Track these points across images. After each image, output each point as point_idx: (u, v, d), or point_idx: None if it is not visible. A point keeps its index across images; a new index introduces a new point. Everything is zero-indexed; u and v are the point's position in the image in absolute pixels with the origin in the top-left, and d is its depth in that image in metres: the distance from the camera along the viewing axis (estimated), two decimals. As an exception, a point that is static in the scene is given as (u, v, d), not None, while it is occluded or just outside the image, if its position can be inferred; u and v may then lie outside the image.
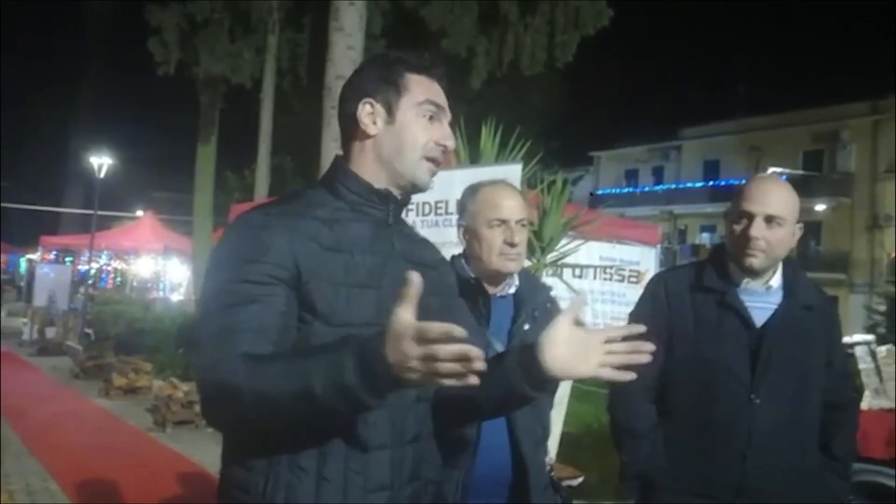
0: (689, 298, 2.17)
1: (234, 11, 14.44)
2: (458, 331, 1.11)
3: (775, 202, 2.07)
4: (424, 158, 1.46)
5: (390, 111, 1.45)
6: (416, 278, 1.16)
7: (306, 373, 1.20)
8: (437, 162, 1.48)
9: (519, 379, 1.38)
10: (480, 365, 1.13)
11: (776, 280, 2.15)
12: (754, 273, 2.11)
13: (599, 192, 37.59)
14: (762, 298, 2.13)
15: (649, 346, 1.35)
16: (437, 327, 1.11)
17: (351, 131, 1.48)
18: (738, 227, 2.10)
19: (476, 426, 2.03)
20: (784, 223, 2.07)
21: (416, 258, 1.48)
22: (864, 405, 5.67)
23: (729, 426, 2.05)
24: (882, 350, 5.98)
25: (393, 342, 1.14)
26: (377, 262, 1.40)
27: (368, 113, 1.46)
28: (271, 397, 1.21)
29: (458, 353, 1.11)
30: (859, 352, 5.96)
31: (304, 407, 1.22)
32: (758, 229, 2.05)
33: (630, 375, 1.37)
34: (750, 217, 2.07)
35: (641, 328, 1.37)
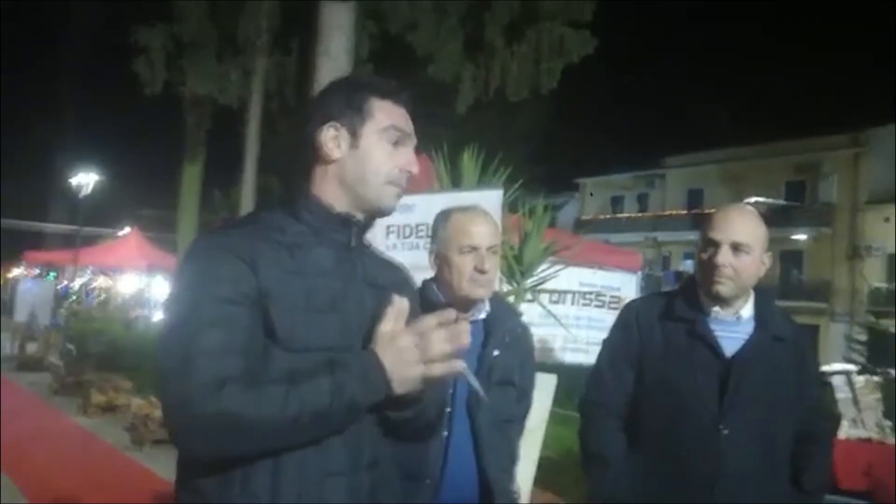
0: (660, 327, 2.17)
1: (222, 33, 14.53)
2: (452, 313, 1.32)
3: (741, 230, 2.08)
4: (388, 184, 1.45)
5: (354, 136, 1.44)
6: (396, 300, 1.34)
7: (314, 391, 1.26)
8: (402, 187, 1.48)
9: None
10: (466, 338, 1.33)
11: (747, 310, 2.15)
12: (722, 301, 2.12)
13: (584, 217, 37.83)
14: (732, 328, 2.12)
15: (465, 326, 1.34)
16: (431, 318, 1.32)
17: (313, 154, 1.47)
18: (705, 256, 2.11)
19: (441, 449, 2.02)
20: (751, 251, 2.08)
21: (380, 281, 1.48)
22: (841, 435, 5.70)
23: (697, 456, 2.04)
24: (860, 380, 6.03)
25: (386, 344, 1.32)
26: (339, 287, 1.39)
27: (332, 137, 1.44)
28: (279, 421, 1.23)
29: (450, 331, 1.31)
30: (837, 381, 6.00)
31: (310, 427, 1.27)
32: (724, 257, 2.06)
33: (459, 364, 1.35)
34: (716, 245, 2.08)
35: (452, 312, 1.34)
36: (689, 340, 2.12)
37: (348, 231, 1.46)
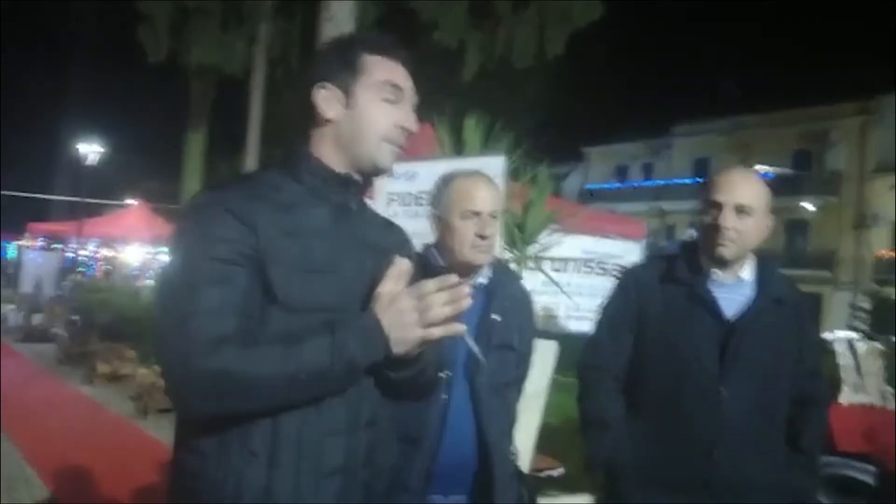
0: (660, 290, 2.17)
1: (226, 1, 14.38)
2: (453, 277, 1.31)
3: (744, 192, 2.08)
4: (385, 141, 1.43)
5: (348, 94, 1.42)
6: (398, 260, 1.35)
7: (314, 350, 1.27)
8: (400, 145, 1.45)
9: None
10: (466, 302, 1.31)
11: (747, 273, 2.15)
12: (724, 264, 2.12)
13: (589, 186, 37.71)
14: (733, 291, 2.12)
15: (465, 290, 1.31)
16: (431, 282, 1.31)
17: (310, 116, 1.45)
18: (708, 218, 2.11)
19: (440, 413, 2.03)
20: (753, 213, 2.08)
21: (379, 242, 1.48)
22: (842, 400, 5.74)
23: (696, 418, 2.05)
24: (862, 347, 6.04)
25: (385, 305, 1.32)
26: (337, 247, 1.39)
27: (325, 97, 1.43)
28: (278, 379, 1.25)
29: (450, 294, 1.30)
30: (839, 347, 6.03)
31: (309, 385, 1.28)
32: (727, 219, 2.06)
33: (459, 327, 1.34)
34: (719, 207, 2.08)
35: (454, 277, 1.32)
36: (688, 303, 2.12)
37: (347, 192, 1.45)
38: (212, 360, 1.22)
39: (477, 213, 2.13)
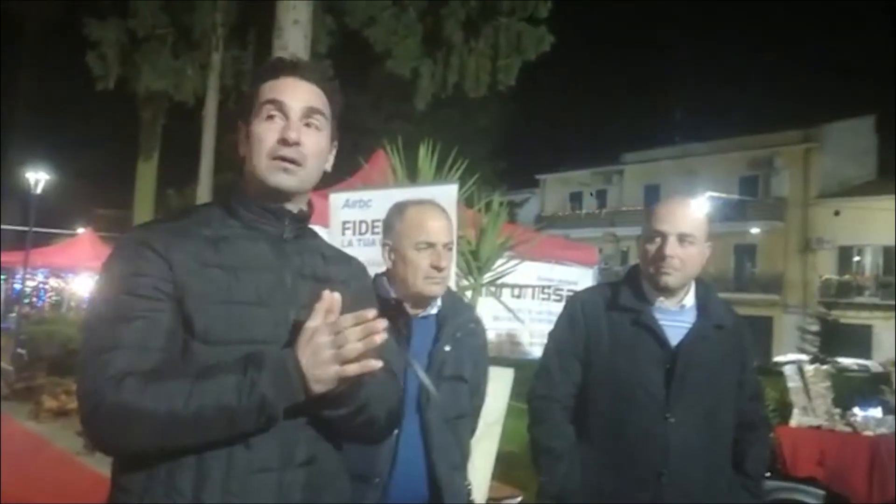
0: (605, 317, 2.20)
1: (178, 28, 14.29)
2: (370, 313, 1.26)
3: (686, 221, 2.13)
4: (272, 159, 1.39)
5: (248, 127, 1.43)
6: (326, 294, 1.27)
7: (220, 388, 1.23)
8: (288, 159, 1.39)
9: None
10: (381, 338, 1.26)
11: (689, 299, 2.19)
12: (669, 291, 2.15)
13: (544, 213, 38.16)
14: (676, 318, 2.16)
15: (381, 324, 1.26)
16: (348, 316, 1.25)
17: (238, 155, 1.47)
18: (651, 247, 2.15)
19: (390, 448, 2.00)
20: (695, 241, 2.12)
21: (320, 274, 1.46)
22: (792, 423, 5.84)
23: (644, 444, 2.07)
24: (810, 369, 6.18)
25: (305, 342, 1.26)
26: (269, 280, 1.38)
27: (241, 135, 1.45)
28: (178, 417, 1.21)
29: (364, 330, 1.25)
30: (788, 370, 6.15)
31: (214, 424, 1.23)
32: (671, 248, 2.10)
33: (375, 363, 1.27)
34: (663, 236, 2.12)
35: (373, 312, 1.27)
36: (634, 330, 2.15)
37: (281, 223, 1.44)
38: (113, 396, 1.21)
39: (431, 245, 2.11)
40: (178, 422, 1.22)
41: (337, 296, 1.28)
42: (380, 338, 1.26)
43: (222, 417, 1.23)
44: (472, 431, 2.35)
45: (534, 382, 2.31)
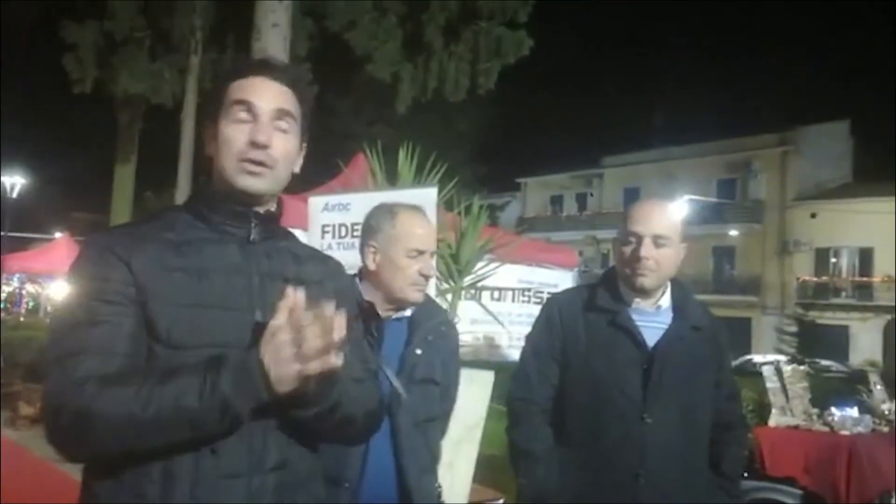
0: (583, 319, 2.20)
1: (155, 30, 14.20)
2: (329, 310, 1.22)
3: (661, 223, 2.14)
4: (240, 161, 1.37)
5: (216, 126, 1.40)
6: (290, 292, 1.24)
7: (179, 390, 1.21)
8: (258, 162, 1.37)
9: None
10: (340, 333, 1.22)
11: (665, 300, 2.21)
12: (645, 293, 2.17)
13: (526, 216, 38.32)
14: (652, 319, 2.17)
15: (340, 321, 1.22)
16: (308, 313, 1.22)
17: (203, 155, 1.45)
18: (627, 249, 2.16)
19: (360, 451, 1.99)
20: (670, 243, 2.14)
21: (291, 275, 1.43)
22: (770, 423, 5.90)
23: (621, 445, 2.08)
24: (788, 369, 6.24)
25: (267, 340, 1.23)
26: (237, 283, 1.36)
27: (208, 135, 1.42)
28: (137, 420, 1.20)
29: (323, 327, 1.21)
30: (766, 371, 6.21)
31: (175, 427, 1.22)
32: (647, 249, 2.11)
33: (334, 360, 1.22)
34: (639, 238, 2.13)
35: (329, 308, 1.22)
36: (611, 332, 2.16)
37: (248, 225, 1.41)
38: (74, 399, 1.21)
39: (422, 253, 2.13)
40: (137, 425, 1.20)
41: (301, 294, 1.24)
42: (338, 334, 1.21)
43: (183, 419, 1.21)
44: (443, 433, 2.35)
45: (511, 385, 2.32)
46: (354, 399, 1.41)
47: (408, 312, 2.19)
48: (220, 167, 1.39)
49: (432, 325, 2.21)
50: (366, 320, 2.06)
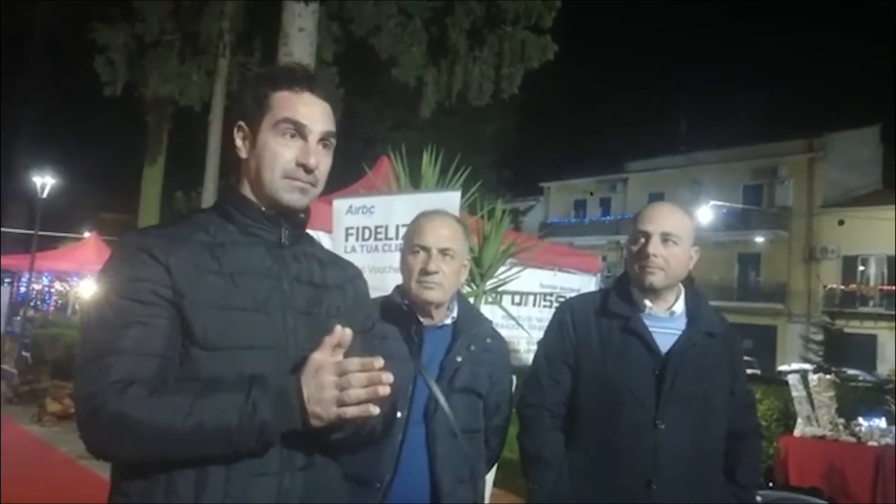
0: (595, 324, 2.19)
1: (185, 33, 14.36)
2: (377, 362, 1.25)
3: (669, 221, 2.14)
4: (285, 178, 1.41)
5: (254, 133, 1.43)
6: (338, 330, 1.27)
7: (221, 408, 1.23)
8: (302, 180, 1.42)
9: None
10: (385, 390, 1.24)
11: (679, 306, 2.19)
12: (655, 293, 2.15)
13: (549, 221, 38.20)
14: (666, 324, 2.16)
15: (388, 377, 1.25)
16: (356, 360, 1.25)
17: (234, 155, 1.47)
18: (635, 248, 2.16)
19: (393, 454, 2.00)
20: (679, 242, 2.13)
21: (317, 279, 1.46)
22: (796, 432, 5.83)
23: (634, 452, 2.06)
24: (814, 378, 6.16)
25: (311, 375, 1.26)
26: (267, 285, 1.38)
27: (240, 136, 1.45)
28: (177, 431, 1.22)
29: (369, 378, 1.23)
30: (792, 380, 6.14)
31: (212, 442, 1.24)
32: (654, 246, 2.11)
33: (373, 410, 1.25)
34: (647, 236, 2.13)
35: (378, 361, 1.25)
36: (624, 337, 2.15)
37: (278, 229, 1.44)
38: (115, 403, 1.22)
39: (425, 248, 2.12)
40: (175, 436, 1.22)
41: (348, 332, 1.28)
42: (384, 389, 1.24)
43: (221, 436, 1.24)
44: (494, 450, 2.33)
45: (523, 390, 2.31)
46: (369, 422, 1.42)
47: (450, 321, 2.18)
48: (262, 178, 1.42)
49: (475, 333, 2.20)
50: (406, 325, 2.10)
